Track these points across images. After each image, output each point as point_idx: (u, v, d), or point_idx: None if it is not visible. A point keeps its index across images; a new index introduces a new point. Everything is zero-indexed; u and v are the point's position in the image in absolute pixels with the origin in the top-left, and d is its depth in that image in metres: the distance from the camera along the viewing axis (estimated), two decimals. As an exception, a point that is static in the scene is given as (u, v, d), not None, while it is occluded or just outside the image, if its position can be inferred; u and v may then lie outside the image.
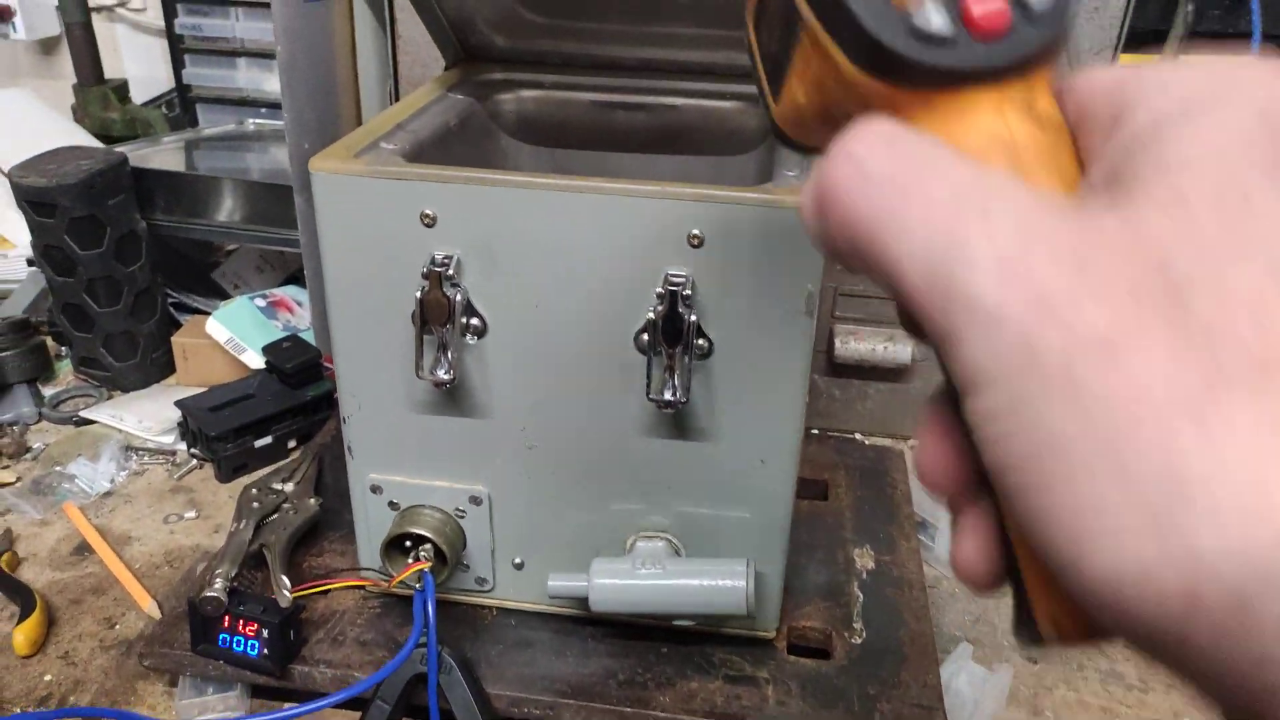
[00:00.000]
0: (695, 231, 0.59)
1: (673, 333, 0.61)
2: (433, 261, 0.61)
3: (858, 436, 1.15)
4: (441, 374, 0.64)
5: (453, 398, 0.67)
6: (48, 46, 1.87)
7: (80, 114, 1.73)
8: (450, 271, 0.61)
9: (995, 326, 0.20)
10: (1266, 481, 0.17)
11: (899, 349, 1.08)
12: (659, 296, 0.60)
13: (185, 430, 1.04)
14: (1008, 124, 0.24)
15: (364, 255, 0.63)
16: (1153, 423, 0.18)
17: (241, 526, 0.76)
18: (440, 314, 0.62)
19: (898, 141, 0.23)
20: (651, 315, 0.61)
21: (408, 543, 0.70)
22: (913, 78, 0.24)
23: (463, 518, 0.71)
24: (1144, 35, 1.06)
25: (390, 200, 0.61)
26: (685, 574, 0.67)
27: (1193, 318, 0.19)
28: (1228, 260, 0.19)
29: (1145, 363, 0.19)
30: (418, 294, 0.62)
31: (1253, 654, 0.17)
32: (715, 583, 0.66)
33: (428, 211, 0.61)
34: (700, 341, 0.62)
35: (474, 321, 0.64)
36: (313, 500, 0.82)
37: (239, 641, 0.68)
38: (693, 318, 0.60)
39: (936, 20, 0.24)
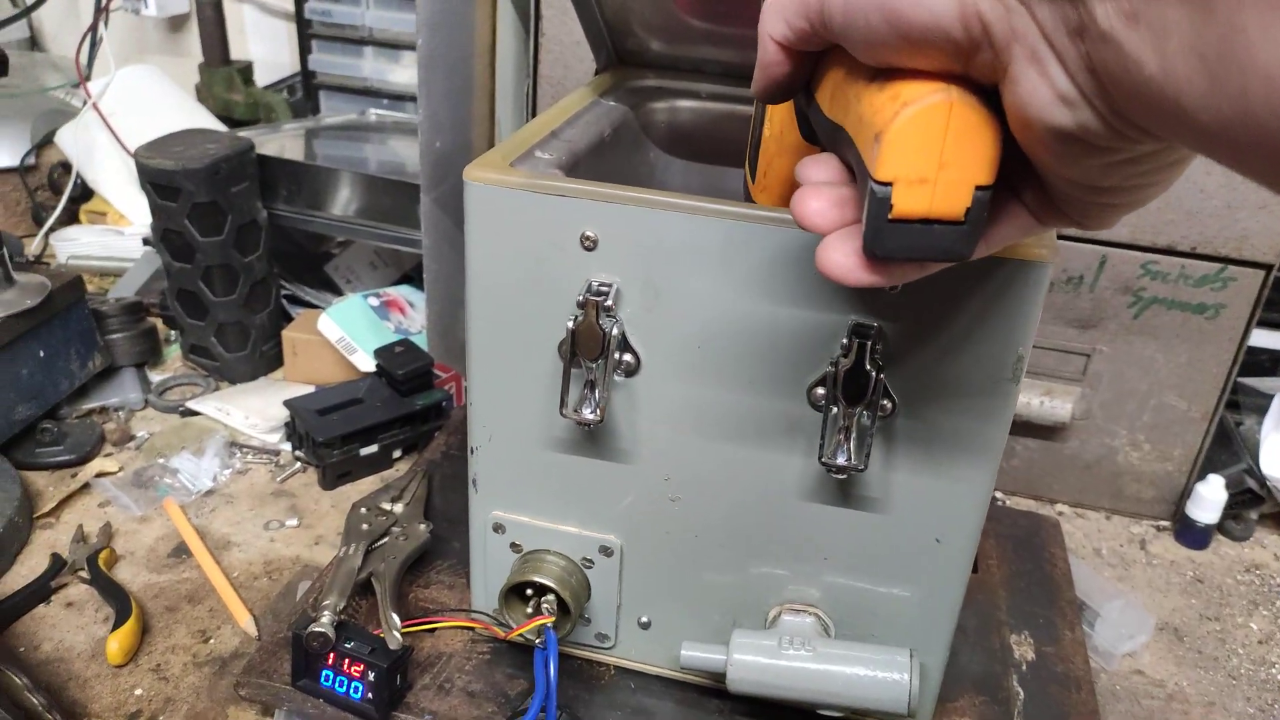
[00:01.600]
0: (895, 276, 0.51)
1: (855, 390, 0.53)
2: (590, 289, 0.55)
3: (999, 496, 1.06)
4: (587, 413, 0.57)
5: (593, 439, 0.60)
6: (176, 24, 1.88)
7: (204, 93, 1.73)
8: (609, 301, 0.55)
9: None
10: None
11: (1057, 405, 0.99)
12: (843, 348, 0.53)
13: (292, 431, 1.00)
14: None
15: (514, 275, 0.57)
16: None
17: (350, 552, 0.71)
18: (593, 347, 0.56)
19: None
20: (832, 368, 0.53)
21: (528, 590, 0.64)
22: None
23: (589, 568, 0.65)
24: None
25: (550, 218, 0.55)
26: (838, 659, 0.59)
27: None
28: None
29: None
30: (570, 323, 0.55)
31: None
32: (874, 674, 0.58)
33: (589, 233, 0.54)
34: (884, 402, 0.54)
35: (627, 358, 0.57)
36: (423, 525, 0.76)
37: (342, 682, 0.63)
38: (880, 375, 0.52)
39: None
